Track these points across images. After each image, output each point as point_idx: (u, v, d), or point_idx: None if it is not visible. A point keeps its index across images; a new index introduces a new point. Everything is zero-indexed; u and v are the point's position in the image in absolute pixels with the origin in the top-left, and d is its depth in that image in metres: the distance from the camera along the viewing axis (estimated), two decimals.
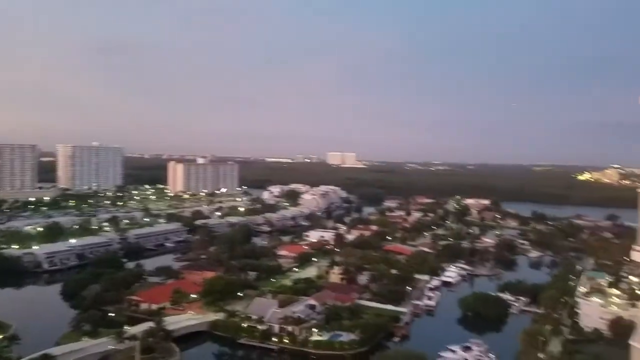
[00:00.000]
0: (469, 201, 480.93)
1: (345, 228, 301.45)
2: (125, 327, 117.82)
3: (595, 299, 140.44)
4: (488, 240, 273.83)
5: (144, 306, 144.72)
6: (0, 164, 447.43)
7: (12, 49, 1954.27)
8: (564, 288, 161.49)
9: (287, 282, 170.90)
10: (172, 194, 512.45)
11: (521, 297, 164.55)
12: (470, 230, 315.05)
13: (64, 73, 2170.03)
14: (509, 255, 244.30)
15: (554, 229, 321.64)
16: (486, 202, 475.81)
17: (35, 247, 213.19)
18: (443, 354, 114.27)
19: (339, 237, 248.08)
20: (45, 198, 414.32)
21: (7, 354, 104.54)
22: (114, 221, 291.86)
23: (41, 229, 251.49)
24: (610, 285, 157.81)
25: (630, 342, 47.63)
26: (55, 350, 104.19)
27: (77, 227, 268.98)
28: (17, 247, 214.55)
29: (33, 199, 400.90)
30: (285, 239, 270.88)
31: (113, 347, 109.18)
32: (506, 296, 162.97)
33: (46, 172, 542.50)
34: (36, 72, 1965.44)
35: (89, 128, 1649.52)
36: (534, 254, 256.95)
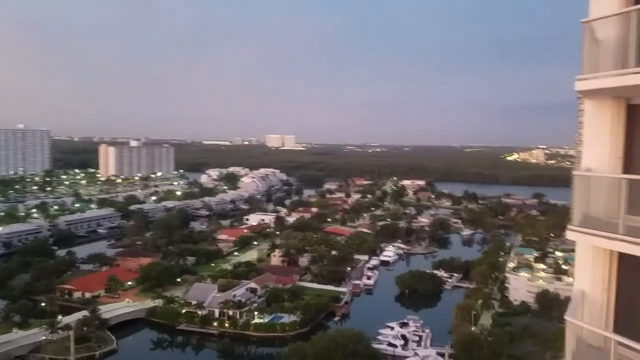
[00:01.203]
0: (405, 182, 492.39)
1: (285, 211, 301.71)
2: (58, 317, 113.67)
3: (523, 274, 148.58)
4: (423, 220, 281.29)
5: (77, 295, 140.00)
6: None
7: None
8: (494, 264, 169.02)
9: (227, 266, 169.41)
10: (104, 179, 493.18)
11: (454, 274, 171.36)
12: (407, 211, 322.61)
13: None
14: (443, 233, 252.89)
15: (484, 207, 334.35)
16: (421, 182, 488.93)
17: None
18: (382, 330, 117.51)
19: (280, 220, 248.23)
20: None
21: None
22: (42, 207, 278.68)
23: None
24: (537, 260, 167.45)
25: (566, 316, 50.83)
26: None
27: (2, 214, 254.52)
28: None
29: None
30: (225, 222, 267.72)
31: (45, 338, 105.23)
32: (440, 273, 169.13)
33: None
34: None
35: (12, 110, 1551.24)
36: (466, 232, 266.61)
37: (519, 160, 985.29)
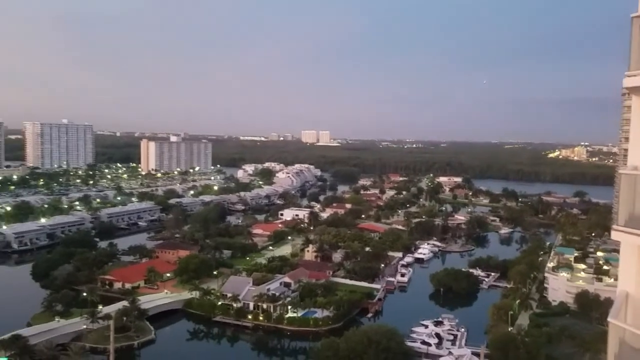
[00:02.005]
0: (442, 179, 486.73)
1: (319, 206, 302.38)
2: (99, 307, 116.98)
3: (562, 274, 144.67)
4: (460, 218, 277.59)
5: (117, 285, 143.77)
6: None
7: None
8: (533, 263, 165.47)
9: (262, 260, 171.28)
10: (144, 173, 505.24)
11: (491, 273, 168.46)
12: (443, 208, 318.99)
13: (29, 48, 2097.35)
14: (480, 231, 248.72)
15: (524, 205, 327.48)
16: (458, 179, 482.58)
17: (4, 227, 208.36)
18: (415, 328, 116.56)
19: (314, 216, 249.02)
20: (13, 177, 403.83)
21: None
22: (85, 200, 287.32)
23: (10, 209, 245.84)
24: (577, 260, 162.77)
25: (609, 319, 49.29)
26: (26, 331, 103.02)
27: (47, 206, 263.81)
28: None
29: (0, 178, 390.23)
30: (260, 217, 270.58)
31: (86, 327, 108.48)
32: (477, 272, 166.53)
33: (13, 150, 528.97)
34: (0, 50, 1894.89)
35: (57, 105, 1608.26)
36: (505, 230, 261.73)
37: (561, 157, 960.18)
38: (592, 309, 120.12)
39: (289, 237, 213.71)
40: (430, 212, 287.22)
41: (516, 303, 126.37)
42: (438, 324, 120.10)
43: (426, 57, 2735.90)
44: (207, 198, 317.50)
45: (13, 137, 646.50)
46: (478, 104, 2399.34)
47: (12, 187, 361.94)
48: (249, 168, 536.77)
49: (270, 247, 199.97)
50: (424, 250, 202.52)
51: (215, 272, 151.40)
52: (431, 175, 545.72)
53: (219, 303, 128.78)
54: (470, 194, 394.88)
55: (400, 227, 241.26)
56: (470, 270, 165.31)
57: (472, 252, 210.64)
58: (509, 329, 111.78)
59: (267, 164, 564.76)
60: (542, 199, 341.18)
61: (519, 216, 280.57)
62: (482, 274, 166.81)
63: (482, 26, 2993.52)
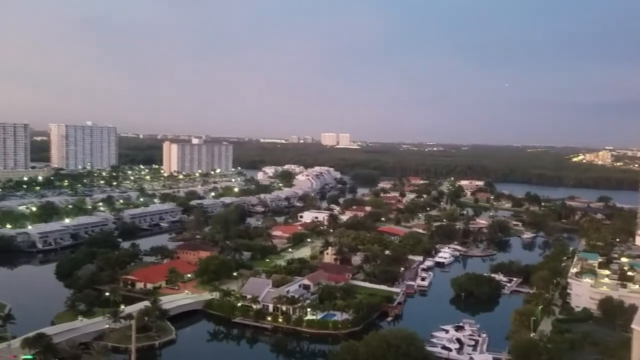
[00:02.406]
0: (463, 182, 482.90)
1: (339, 209, 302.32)
2: (121, 307, 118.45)
3: (586, 280, 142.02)
4: (482, 221, 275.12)
5: (139, 285, 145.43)
6: None
7: (2, 30, 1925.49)
8: (556, 269, 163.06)
9: (281, 262, 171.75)
10: (166, 174, 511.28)
11: (513, 278, 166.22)
12: (464, 212, 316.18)
13: (54, 51, 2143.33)
14: (502, 236, 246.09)
15: (547, 210, 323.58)
16: (480, 183, 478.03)
17: (29, 227, 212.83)
18: (436, 333, 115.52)
19: (333, 218, 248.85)
20: (38, 177, 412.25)
21: (3, 334, 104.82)
22: (108, 201, 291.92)
23: (35, 209, 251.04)
24: (601, 266, 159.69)
25: (633, 325, 48.22)
26: (50, 330, 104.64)
27: (71, 206, 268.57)
28: (10, 226, 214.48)
29: (26, 179, 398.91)
30: (279, 219, 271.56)
31: (108, 326, 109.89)
32: (499, 276, 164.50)
33: (39, 151, 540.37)
34: (26, 51, 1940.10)
35: (82, 107, 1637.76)
36: (527, 235, 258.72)
37: (585, 161, 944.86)
38: (616, 316, 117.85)
39: (308, 240, 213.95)
40: (451, 215, 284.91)
41: (538, 309, 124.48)
42: (459, 329, 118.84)
43: (448, 59, 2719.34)
44: (227, 200, 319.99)
45: (38, 138, 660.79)
46: (500, 106, 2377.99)
47: (37, 188, 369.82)
48: (269, 170, 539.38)
49: (290, 249, 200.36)
50: (445, 254, 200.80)
51: (235, 274, 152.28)
52: (452, 178, 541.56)
53: (239, 304, 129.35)
54: (492, 197, 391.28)
55: (420, 230, 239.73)
56: (492, 275, 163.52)
57: (494, 256, 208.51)
58: (531, 335, 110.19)
59: (287, 166, 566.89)
60: (566, 204, 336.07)
61: (541, 221, 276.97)
62: (504, 279, 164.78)
63: (506, 27, 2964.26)
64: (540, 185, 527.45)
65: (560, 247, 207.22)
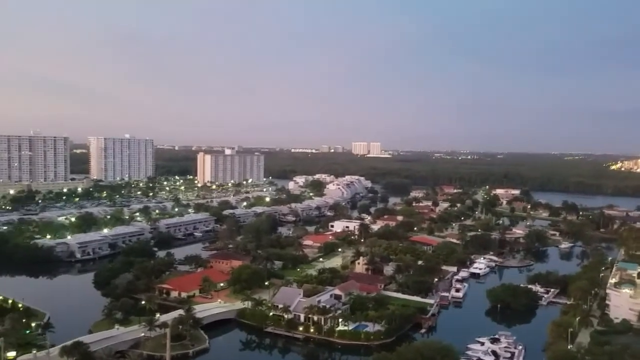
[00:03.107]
0: (499, 191, 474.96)
1: (370, 218, 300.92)
2: (157, 315, 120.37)
3: (625, 290, 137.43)
4: (518, 231, 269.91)
5: (174, 294, 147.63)
6: (35, 155, 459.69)
7: (44, 44, 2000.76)
8: (594, 279, 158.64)
9: (313, 271, 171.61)
10: (200, 185, 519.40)
11: (551, 289, 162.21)
12: (500, 221, 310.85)
13: (93, 67, 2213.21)
14: (540, 246, 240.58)
15: (585, 219, 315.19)
16: (516, 192, 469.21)
17: (68, 237, 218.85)
18: (471, 345, 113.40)
19: (364, 228, 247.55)
20: (78, 189, 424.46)
21: (42, 342, 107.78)
22: (145, 211, 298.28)
23: (74, 219, 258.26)
24: None
25: None
26: (87, 338, 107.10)
27: (109, 217, 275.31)
28: (50, 237, 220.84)
29: (66, 190, 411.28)
30: (310, 228, 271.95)
31: (144, 335, 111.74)
32: (536, 287, 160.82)
33: (78, 163, 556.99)
34: (66, 67, 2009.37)
35: (120, 121, 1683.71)
36: (565, 244, 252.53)
37: (623, 169, 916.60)
38: None
39: (339, 249, 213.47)
40: (486, 225, 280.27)
41: (576, 320, 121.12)
42: (495, 341, 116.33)
43: (482, 67, 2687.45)
44: (259, 209, 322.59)
45: (78, 151, 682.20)
46: (537, 114, 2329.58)
47: (77, 199, 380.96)
48: (300, 180, 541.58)
49: (321, 259, 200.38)
50: (480, 264, 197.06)
51: (266, 283, 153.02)
52: (487, 187, 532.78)
53: (271, 314, 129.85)
54: (529, 206, 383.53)
55: (454, 240, 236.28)
56: (529, 286, 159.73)
57: (530, 267, 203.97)
58: (569, 347, 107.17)
59: (317, 176, 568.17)
60: (604, 213, 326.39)
61: (579, 230, 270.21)
62: (541, 289, 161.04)
63: (541, 34, 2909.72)
64: (578, 193, 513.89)
65: (598, 257, 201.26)
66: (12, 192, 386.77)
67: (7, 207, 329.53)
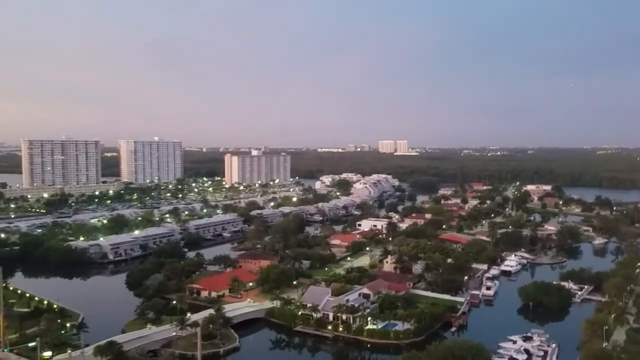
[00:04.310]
0: (530, 187, 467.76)
1: (398, 217, 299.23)
2: (187, 315, 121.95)
3: None
4: (550, 228, 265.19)
5: (204, 294, 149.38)
6: (67, 160, 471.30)
7: (73, 52, 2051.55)
8: (630, 275, 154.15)
9: (340, 270, 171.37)
10: (228, 186, 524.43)
11: (584, 286, 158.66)
12: (531, 218, 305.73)
13: (123, 73, 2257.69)
14: (572, 242, 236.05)
15: (619, 214, 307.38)
16: (548, 187, 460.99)
17: (101, 239, 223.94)
18: (503, 344, 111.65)
19: (392, 226, 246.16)
20: (109, 191, 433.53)
21: (76, 342, 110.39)
22: (174, 212, 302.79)
23: (106, 221, 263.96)
24: None
25: None
26: (121, 338, 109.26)
27: (140, 218, 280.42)
28: (83, 239, 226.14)
29: (98, 193, 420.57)
30: (338, 228, 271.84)
31: (175, 334, 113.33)
32: (569, 285, 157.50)
33: (109, 166, 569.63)
34: (96, 73, 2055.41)
35: (149, 124, 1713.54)
36: (599, 240, 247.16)
37: None
38: None
39: (367, 248, 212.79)
40: (517, 222, 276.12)
41: (611, 318, 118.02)
42: (527, 339, 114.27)
43: (511, 63, 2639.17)
44: (286, 209, 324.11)
45: (109, 154, 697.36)
46: (568, 109, 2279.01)
47: (109, 201, 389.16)
48: (327, 179, 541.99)
49: (349, 258, 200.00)
50: (511, 262, 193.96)
51: (295, 282, 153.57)
52: (518, 183, 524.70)
53: (300, 313, 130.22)
54: (561, 202, 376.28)
55: (484, 238, 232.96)
56: (562, 283, 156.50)
57: (563, 264, 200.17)
58: (604, 345, 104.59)
59: (344, 175, 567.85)
60: (639, 207, 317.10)
61: (613, 226, 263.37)
62: (575, 287, 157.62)
63: (570, 30, 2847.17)
64: (612, 188, 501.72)
65: (633, 253, 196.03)
66: (46, 195, 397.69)
67: (42, 211, 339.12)
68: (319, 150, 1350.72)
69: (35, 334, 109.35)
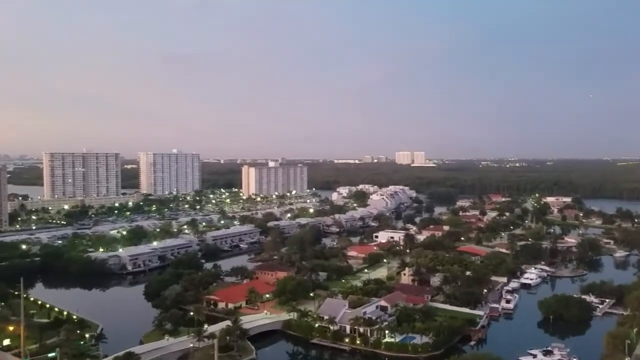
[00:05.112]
0: (549, 199, 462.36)
1: (415, 228, 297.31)
2: (205, 326, 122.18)
3: None
4: (570, 240, 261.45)
5: (221, 305, 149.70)
6: (88, 172, 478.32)
7: (93, 63, 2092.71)
8: None
9: (357, 282, 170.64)
10: (245, 197, 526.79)
11: (606, 299, 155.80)
12: (551, 230, 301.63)
13: (142, 86, 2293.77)
14: (593, 255, 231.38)
15: None
16: (567, 199, 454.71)
17: (120, 250, 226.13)
18: (522, 358, 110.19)
19: (409, 238, 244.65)
20: (128, 203, 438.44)
21: (95, 352, 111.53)
22: (192, 224, 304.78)
23: (125, 233, 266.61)
24: None
25: None
26: (139, 349, 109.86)
27: (158, 230, 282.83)
28: (103, 250, 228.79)
29: (117, 204, 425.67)
30: (355, 239, 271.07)
31: (193, 345, 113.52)
32: (590, 298, 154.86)
33: (129, 178, 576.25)
34: (115, 87, 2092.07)
35: (167, 136, 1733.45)
36: (620, 253, 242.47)
37: None
38: None
39: (384, 260, 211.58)
40: (536, 234, 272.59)
41: (634, 332, 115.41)
42: (547, 353, 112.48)
43: (529, 71, 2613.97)
44: (303, 221, 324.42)
45: (128, 166, 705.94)
46: (587, 119, 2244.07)
47: (128, 213, 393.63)
48: (343, 190, 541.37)
49: (366, 270, 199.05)
50: (531, 275, 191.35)
51: (311, 294, 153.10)
52: (537, 195, 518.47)
53: (316, 325, 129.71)
54: (581, 214, 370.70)
55: (503, 250, 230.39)
56: (583, 297, 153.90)
57: (584, 277, 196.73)
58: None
59: (361, 186, 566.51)
60: None
61: (635, 238, 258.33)
62: (596, 300, 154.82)
63: (589, 35, 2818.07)
64: (633, 200, 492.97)
65: None
66: (66, 207, 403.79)
67: (62, 222, 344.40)
68: (336, 161, 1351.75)
69: (55, 344, 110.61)
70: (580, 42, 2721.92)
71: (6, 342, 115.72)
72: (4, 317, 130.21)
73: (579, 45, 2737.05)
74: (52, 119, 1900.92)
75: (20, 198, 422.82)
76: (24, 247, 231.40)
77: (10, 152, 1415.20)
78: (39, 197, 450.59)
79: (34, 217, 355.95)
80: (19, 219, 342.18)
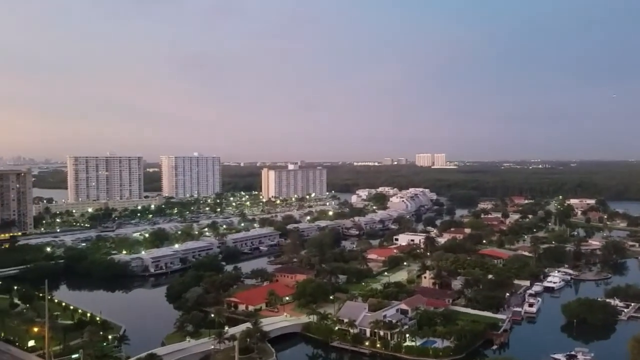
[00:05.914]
0: (573, 201, 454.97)
1: (436, 231, 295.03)
2: (225, 328, 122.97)
3: None
4: (594, 243, 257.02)
5: (241, 307, 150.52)
6: (111, 175, 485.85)
7: (118, 72, 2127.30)
8: None
9: (377, 285, 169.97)
10: (265, 200, 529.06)
11: (631, 303, 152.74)
12: (575, 232, 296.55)
13: (163, 90, 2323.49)
14: (618, 258, 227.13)
15: None
16: (591, 201, 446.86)
17: (142, 252, 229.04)
18: None
19: (430, 241, 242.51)
20: (151, 206, 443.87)
21: (118, 354, 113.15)
22: (213, 226, 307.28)
23: (147, 235, 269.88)
24: None
25: None
26: (160, 350, 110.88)
27: (180, 232, 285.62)
28: (126, 252, 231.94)
29: (140, 207, 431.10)
30: (374, 242, 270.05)
31: (214, 347, 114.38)
32: (615, 302, 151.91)
33: (151, 181, 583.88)
34: (138, 91, 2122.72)
35: (189, 139, 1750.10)
36: None
37: None
38: None
39: (405, 263, 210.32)
40: (560, 237, 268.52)
41: None
42: (571, 357, 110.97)
43: (549, 71, 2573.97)
44: (322, 223, 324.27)
45: (151, 170, 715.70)
46: (611, 120, 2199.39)
47: (150, 216, 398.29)
48: (363, 193, 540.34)
49: (386, 273, 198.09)
50: (554, 278, 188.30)
51: (331, 297, 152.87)
52: (560, 197, 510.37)
53: (336, 328, 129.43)
54: (606, 217, 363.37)
55: (526, 253, 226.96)
56: (607, 300, 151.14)
57: (608, 280, 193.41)
58: None
59: (380, 189, 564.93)
60: None
61: None
62: (621, 304, 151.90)
63: (612, 36, 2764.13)
64: None
65: None
66: (90, 210, 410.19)
67: (86, 225, 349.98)
68: (355, 164, 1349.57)
69: (79, 345, 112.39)
70: (605, 42, 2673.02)
71: (31, 343, 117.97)
72: (29, 318, 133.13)
73: (603, 46, 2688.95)
74: (76, 124, 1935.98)
75: (45, 201, 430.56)
76: (48, 249, 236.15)
77: (35, 157, 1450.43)
78: (63, 200, 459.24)
79: (58, 220, 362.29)
80: (44, 222, 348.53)
